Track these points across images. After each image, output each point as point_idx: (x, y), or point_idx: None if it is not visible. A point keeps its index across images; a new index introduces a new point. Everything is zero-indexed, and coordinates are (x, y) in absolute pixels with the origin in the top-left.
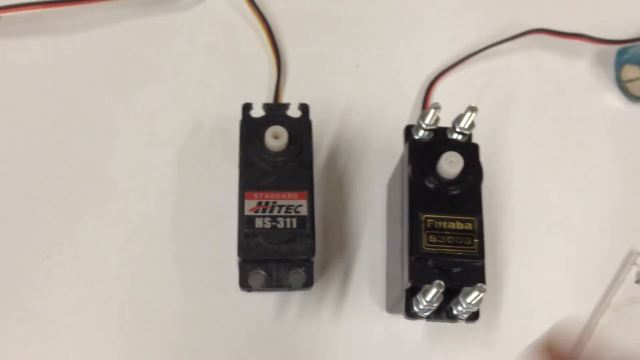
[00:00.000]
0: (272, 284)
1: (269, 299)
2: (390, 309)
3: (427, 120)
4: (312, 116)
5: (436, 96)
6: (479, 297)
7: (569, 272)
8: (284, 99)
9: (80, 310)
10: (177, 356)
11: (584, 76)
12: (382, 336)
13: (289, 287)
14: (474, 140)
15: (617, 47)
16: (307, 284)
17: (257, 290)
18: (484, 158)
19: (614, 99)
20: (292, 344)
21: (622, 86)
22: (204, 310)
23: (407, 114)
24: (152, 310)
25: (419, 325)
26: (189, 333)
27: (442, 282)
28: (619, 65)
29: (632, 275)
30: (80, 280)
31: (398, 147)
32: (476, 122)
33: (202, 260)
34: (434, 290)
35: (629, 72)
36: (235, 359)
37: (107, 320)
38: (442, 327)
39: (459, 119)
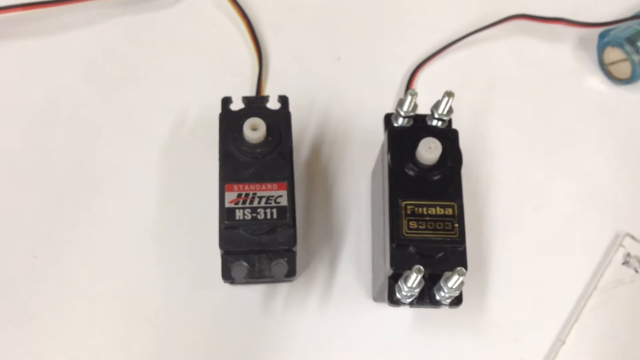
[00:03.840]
0: (255, 275)
1: (255, 291)
2: (376, 297)
3: (405, 107)
4: (295, 109)
5: (419, 85)
6: (459, 281)
7: (555, 256)
8: (267, 93)
9: (68, 308)
10: (165, 351)
11: (566, 60)
12: (369, 325)
13: (272, 278)
14: (459, 127)
15: (599, 29)
16: (290, 274)
17: (240, 282)
18: (468, 144)
19: (598, 82)
20: (280, 335)
21: (605, 69)
22: (191, 305)
23: (390, 104)
24: (139, 307)
25: (406, 312)
26: (176, 328)
27: (421, 267)
28: (601, 48)
29: (618, 257)
30: (67, 279)
31: (381, 137)
32: (460, 109)
33: (187, 255)
34: (414, 276)
35: (611, 54)
36: (224, 352)
37: (95, 318)
38: (429, 313)
39: (436, 105)
